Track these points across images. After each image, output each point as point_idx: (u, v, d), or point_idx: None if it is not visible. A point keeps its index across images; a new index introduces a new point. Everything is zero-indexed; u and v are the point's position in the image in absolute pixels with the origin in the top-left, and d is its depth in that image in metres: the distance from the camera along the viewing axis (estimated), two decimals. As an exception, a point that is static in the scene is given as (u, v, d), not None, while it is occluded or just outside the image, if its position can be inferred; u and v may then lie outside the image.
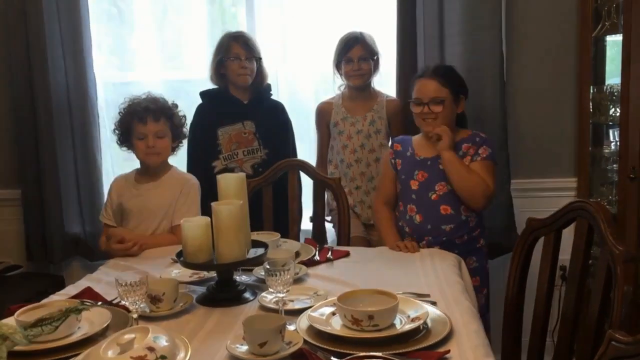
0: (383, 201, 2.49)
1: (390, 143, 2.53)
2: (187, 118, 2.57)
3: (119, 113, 2.46)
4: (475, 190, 2.27)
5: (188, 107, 2.89)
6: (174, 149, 2.50)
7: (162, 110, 2.40)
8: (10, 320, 1.39)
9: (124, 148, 2.49)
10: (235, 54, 2.70)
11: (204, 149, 2.74)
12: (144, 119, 2.37)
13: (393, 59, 2.87)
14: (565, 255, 1.85)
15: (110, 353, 1.15)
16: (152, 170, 2.45)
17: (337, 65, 2.79)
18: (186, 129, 2.54)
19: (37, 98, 2.97)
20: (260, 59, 2.77)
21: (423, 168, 2.37)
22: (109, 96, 3.20)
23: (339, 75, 2.82)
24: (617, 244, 1.46)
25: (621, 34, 2.42)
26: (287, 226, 2.63)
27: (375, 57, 2.77)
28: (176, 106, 2.49)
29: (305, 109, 3.10)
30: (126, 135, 2.43)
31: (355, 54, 2.71)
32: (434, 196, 2.34)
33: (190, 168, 2.73)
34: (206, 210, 1.76)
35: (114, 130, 2.49)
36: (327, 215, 2.83)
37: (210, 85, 2.85)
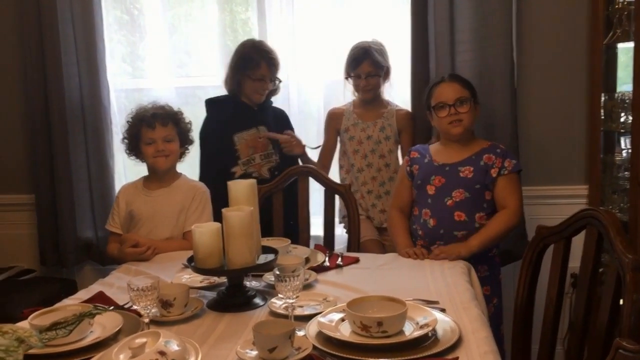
0: (398, 208, 2.51)
1: (408, 152, 2.55)
2: (197, 124, 2.60)
3: (127, 122, 2.51)
4: (510, 226, 2.32)
5: (199, 113, 2.93)
6: (181, 155, 2.53)
7: (169, 116, 2.45)
8: (24, 324, 1.42)
9: (132, 157, 2.53)
10: (262, 75, 2.72)
11: (221, 156, 2.75)
12: (152, 124, 2.41)
13: (405, 68, 2.88)
14: (576, 262, 1.85)
15: (122, 357, 1.17)
16: (161, 176, 2.47)
17: (347, 78, 2.81)
18: (192, 134, 2.56)
19: (51, 104, 3.01)
20: (280, 80, 2.80)
21: (441, 173, 2.38)
22: (122, 103, 3.24)
23: (350, 83, 2.84)
24: (626, 252, 1.46)
25: (633, 42, 2.41)
26: (297, 232, 2.64)
27: (383, 70, 2.78)
28: (182, 113, 2.52)
29: (315, 115, 3.12)
30: (135, 142, 2.46)
31: (363, 70, 2.74)
32: (449, 202, 2.35)
33: (205, 175, 2.74)
34: (220, 217, 1.77)
35: (123, 139, 2.53)
36: (341, 222, 2.84)
37: (222, 91, 2.87)
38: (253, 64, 2.70)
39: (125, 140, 2.51)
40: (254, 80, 2.72)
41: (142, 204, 2.45)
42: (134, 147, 2.48)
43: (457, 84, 2.39)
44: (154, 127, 2.41)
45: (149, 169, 2.51)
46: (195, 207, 2.44)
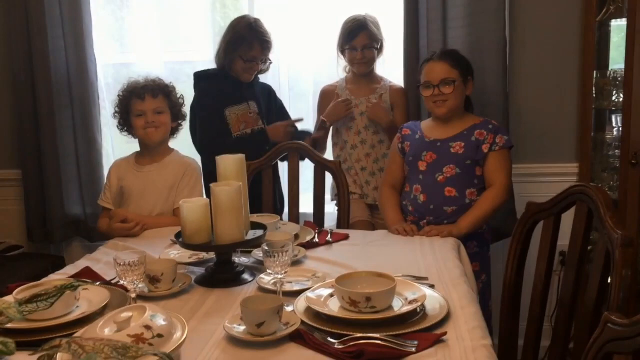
0: (389, 185, 2.50)
1: (400, 128, 2.53)
2: (186, 99, 2.57)
3: (117, 96, 2.48)
4: (499, 203, 2.32)
5: (188, 88, 2.89)
6: (173, 131, 2.51)
7: (159, 88, 2.43)
8: (9, 299, 1.40)
9: (125, 133, 2.50)
10: (253, 57, 2.68)
11: (213, 129, 2.72)
12: (142, 95, 2.39)
13: (397, 44, 2.85)
14: (564, 241, 1.85)
15: (107, 331, 1.16)
16: (152, 150, 2.45)
17: (342, 50, 2.78)
18: (185, 109, 2.54)
19: (38, 78, 2.96)
20: (271, 62, 2.77)
21: (432, 149, 2.37)
22: (109, 78, 3.19)
23: (343, 58, 2.81)
24: (616, 228, 1.45)
25: (626, 18, 2.39)
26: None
27: (379, 43, 2.75)
28: (174, 87, 2.50)
29: (305, 92, 3.09)
30: (126, 116, 2.44)
31: (359, 42, 2.71)
32: (440, 177, 2.34)
33: (201, 147, 2.71)
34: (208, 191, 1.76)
35: (114, 113, 2.50)
36: (333, 200, 2.83)
37: (211, 66, 2.83)
38: (246, 44, 2.66)
39: (117, 115, 2.48)
40: (245, 60, 2.68)
41: (132, 180, 2.43)
42: (126, 121, 2.45)
43: (445, 64, 2.35)
44: (144, 98, 2.39)
45: (140, 143, 2.48)
46: (186, 184, 2.42)
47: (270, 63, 2.79)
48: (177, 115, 2.49)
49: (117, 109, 2.48)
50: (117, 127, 2.51)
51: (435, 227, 2.22)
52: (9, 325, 1.14)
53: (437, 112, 2.38)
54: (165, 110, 2.43)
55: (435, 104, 2.37)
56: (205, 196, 2.45)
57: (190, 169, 2.45)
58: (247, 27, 2.67)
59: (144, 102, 2.39)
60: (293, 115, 2.90)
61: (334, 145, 2.90)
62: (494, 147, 2.33)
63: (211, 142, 2.67)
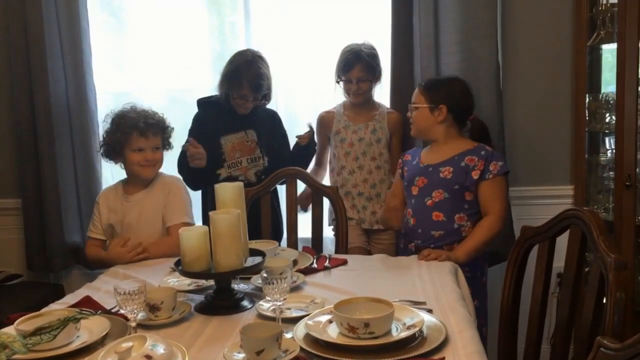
0: (392, 202, 2.58)
1: (403, 154, 2.60)
2: (184, 127, 2.60)
3: (110, 124, 2.45)
4: (495, 232, 2.33)
5: (186, 116, 2.92)
6: None
7: (159, 125, 2.44)
8: (10, 329, 1.41)
9: (108, 160, 2.49)
10: (244, 95, 2.69)
11: (207, 157, 2.75)
12: (146, 133, 2.39)
13: (387, 70, 2.90)
14: (561, 262, 1.87)
15: (108, 361, 1.17)
16: (143, 181, 2.46)
17: (338, 81, 2.82)
18: (172, 140, 2.54)
19: (38, 108, 2.99)
20: (266, 95, 2.76)
21: (424, 174, 2.41)
22: (109, 106, 3.21)
23: (340, 87, 2.85)
24: (609, 251, 1.47)
25: (616, 43, 2.44)
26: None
27: (375, 73, 2.79)
28: (167, 119, 2.51)
29: (304, 119, 3.11)
30: (118, 146, 2.42)
31: (354, 75, 2.74)
32: (429, 202, 2.37)
33: (191, 175, 2.73)
34: (208, 219, 1.78)
35: (102, 142, 2.48)
36: (330, 225, 2.85)
37: (208, 93, 2.87)
38: (235, 83, 2.67)
39: (104, 143, 2.46)
40: (234, 98, 2.72)
41: (123, 211, 2.43)
42: (116, 151, 2.43)
43: (417, 90, 2.47)
44: (147, 136, 2.40)
45: (131, 174, 2.47)
46: (172, 200, 2.43)
47: (266, 102, 2.79)
48: (166, 147, 2.51)
49: (107, 138, 2.45)
50: (101, 153, 2.49)
51: (433, 251, 2.24)
52: (13, 357, 1.16)
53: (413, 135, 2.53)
54: (160, 146, 2.46)
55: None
56: (193, 211, 2.51)
57: (175, 185, 2.48)
58: (241, 66, 2.66)
59: (147, 139, 2.39)
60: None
61: (331, 170, 2.93)
62: (488, 176, 2.33)
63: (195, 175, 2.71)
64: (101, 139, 2.53)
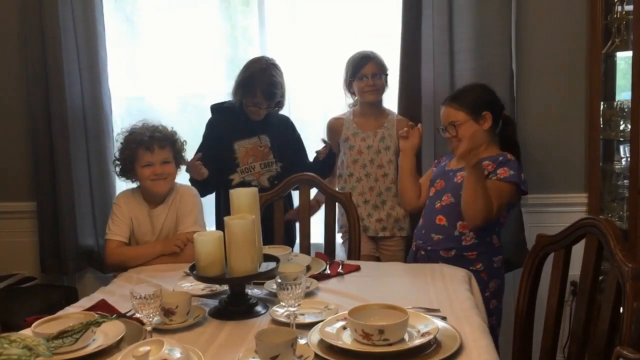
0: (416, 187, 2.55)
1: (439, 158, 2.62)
2: (196, 133, 2.60)
3: (120, 143, 2.46)
4: (478, 208, 2.20)
5: (199, 121, 2.94)
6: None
7: (166, 138, 2.43)
8: (27, 332, 1.42)
9: (124, 179, 2.49)
10: (257, 103, 2.71)
11: (221, 163, 2.76)
12: (151, 147, 2.38)
13: (395, 77, 2.91)
14: (576, 270, 1.86)
15: (125, 365, 1.18)
16: (160, 196, 2.45)
17: (349, 84, 2.83)
18: (186, 155, 2.54)
19: (53, 112, 3.02)
20: (279, 102, 2.77)
21: (443, 177, 2.42)
22: (123, 110, 3.26)
23: (349, 94, 2.86)
24: (626, 260, 1.46)
25: (631, 51, 2.43)
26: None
27: (386, 74, 2.81)
28: (176, 133, 2.50)
29: (314, 124, 3.14)
30: (129, 165, 2.42)
31: (368, 70, 2.76)
32: (437, 205, 2.37)
33: (202, 182, 2.74)
34: (221, 223, 1.78)
35: (114, 161, 2.49)
36: (339, 232, 2.85)
37: (221, 99, 2.89)
38: (249, 91, 2.68)
39: (117, 162, 2.46)
40: (247, 105, 2.73)
41: (145, 220, 2.43)
42: (128, 169, 2.43)
43: (450, 108, 2.37)
44: (153, 150, 2.38)
45: (145, 190, 2.46)
46: (184, 208, 2.43)
47: (279, 109, 2.80)
48: (179, 162, 2.49)
49: (118, 157, 2.46)
50: (116, 173, 2.48)
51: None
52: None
53: (455, 151, 2.36)
54: (171, 159, 2.43)
55: (453, 144, 2.40)
56: (205, 218, 2.51)
57: (186, 194, 2.47)
58: (256, 74, 2.68)
59: (152, 153, 2.38)
60: (308, 149, 2.92)
61: (339, 177, 2.93)
62: (491, 176, 2.27)
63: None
64: (114, 157, 2.52)
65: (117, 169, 2.48)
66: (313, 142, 3.06)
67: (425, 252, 2.37)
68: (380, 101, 2.86)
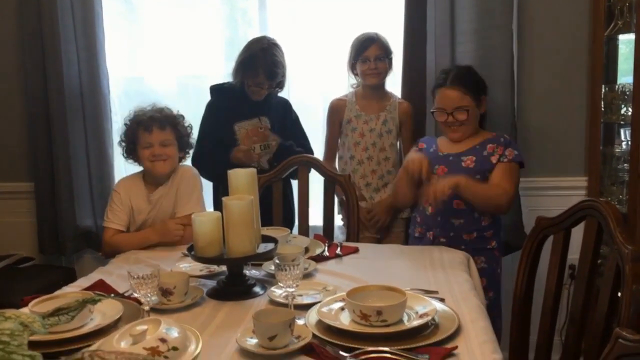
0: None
1: (416, 142, 2.58)
2: (196, 113, 2.57)
3: (124, 124, 2.46)
4: (498, 200, 2.30)
5: (197, 103, 2.92)
6: (180, 159, 2.48)
7: (167, 119, 2.40)
8: (25, 311, 1.42)
9: (130, 160, 2.48)
10: (259, 83, 2.69)
11: (220, 144, 2.75)
12: (150, 127, 2.37)
13: (399, 59, 2.88)
14: (574, 254, 1.86)
15: (123, 343, 1.17)
16: (160, 178, 2.43)
17: (352, 65, 2.81)
18: (193, 139, 2.52)
19: (50, 92, 3.00)
20: (281, 82, 2.75)
21: (444, 163, 2.40)
22: (121, 90, 3.23)
23: (353, 76, 2.84)
24: (626, 243, 1.46)
25: (634, 33, 2.41)
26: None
27: (390, 57, 2.79)
28: (182, 117, 2.48)
29: (314, 107, 3.12)
30: (132, 146, 2.42)
31: (371, 53, 2.73)
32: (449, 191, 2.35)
33: (203, 162, 2.73)
34: (220, 205, 1.77)
35: (120, 142, 2.48)
36: (339, 213, 2.85)
37: (219, 80, 2.87)
38: (251, 71, 2.66)
39: (123, 144, 2.45)
40: (249, 85, 2.71)
41: (144, 206, 2.40)
42: (132, 150, 2.43)
43: (458, 91, 2.36)
44: (151, 130, 2.36)
45: (146, 172, 2.45)
46: (183, 189, 2.40)
47: (280, 89, 2.78)
48: (184, 146, 2.47)
49: (123, 138, 2.45)
50: (122, 155, 2.48)
51: (435, 188, 2.20)
52: (30, 338, 1.16)
53: (451, 136, 2.41)
54: (172, 142, 2.40)
55: (449, 128, 2.40)
56: (204, 199, 2.49)
57: (186, 175, 2.43)
58: (257, 53, 2.65)
59: (150, 134, 2.36)
60: (308, 130, 2.90)
61: (339, 158, 2.92)
62: (502, 159, 2.35)
63: (207, 161, 2.70)
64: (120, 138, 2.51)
65: (122, 151, 2.48)
66: (312, 125, 3.06)
67: (447, 239, 2.35)
68: (383, 84, 2.83)
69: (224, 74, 2.96)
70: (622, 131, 2.68)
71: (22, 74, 3.09)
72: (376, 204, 2.81)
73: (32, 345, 1.32)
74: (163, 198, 2.41)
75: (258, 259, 1.87)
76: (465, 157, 2.36)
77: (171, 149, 2.40)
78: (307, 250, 2.13)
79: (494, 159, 2.35)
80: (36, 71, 3.01)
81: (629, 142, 2.50)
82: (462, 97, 2.37)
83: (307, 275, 1.89)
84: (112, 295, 1.70)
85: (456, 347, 1.38)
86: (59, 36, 2.95)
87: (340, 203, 2.83)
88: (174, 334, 1.19)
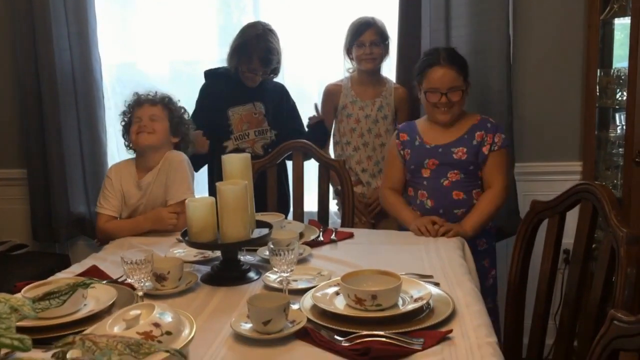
0: (390, 187, 2.48)
1: (395, 133, 2.51)
2: (189, 97, 2.55)
3: (123, 112, 2.47)
4: (501, 205, 2.36)
5: (191, 88, 2.90)
6: (175, 146, 2.44)
7: (160, 98, 2.41)
8: (19, 297, 1.41)
9: (126, 142, 2.47)
10: (252, 69, 2.67)
11: (214, 129, 2.73)
12: (141, 102, 2.38)
13: (394, 43, 2.86)
14: (568, 239, 1.86)
15: (116, 328, 1.17)
16: (147, 157, 2.38)
17: (348, 50, 2.78)
18: (186, 125, 2.48)
19: (43, 78, 2.97)
20: (275, 68, 2.74)
21: (434, 156, 2.36)
22: (114, 77, 3.20)
23: (349, 60, 2.82)
24: (621, 226, 1.46)
25: (630, 17, 2.40)
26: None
27: (386, 42, 2.76)
28: (177, 100, 2.47)
29: (309, 93, 3.10)
30: (128, 127, 2.41)
31: (367, 38, 2.71)
32: (446, 182, 2.35)
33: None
34: (214, 190, 1.76)
35: (123, 134, 2.47)
36: (334, 199, 2.84)
37: (213, 66, 2.84)
38: (245, 56, 2.64)
39: (123, 123, 2.46)
40: (243, 71, 2.69)
41: (135, 192, 2.38)
42: (127, 131, 2.42)
43: (453, 70, 2.31)
44: (142, 105, 2.37)
45: (136, 151, 2.42)
46: (174, 177, 2.34)
47: (274, 75, 2.77)
48: (177, 127, 2.42)
49: (122, 119, 2.47)
50: (125, 145, 2.48)
51: (442, 223, 2.20)
52: (19, 323, 1.16)
53: (440, 118, 2.35)
54: (162, 118, 2.37)
55: (438, 110, 2.34)
56: (198, 185, 2.50)
57: (176, 161, 2.36)
58: (252, 39, 2.63)
59: (141, 108, 2.37)
60: (304, 116, 2.88)
61: (335, 144, 2.91)
62: (493, 147, 2.34)
63: None
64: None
65: (125, 141, 2.47)
66: (307, 110, 3.04)
67: None
68: (378, 69, 2.81)
69: (218, 59, 2.93)
70: (617, 116, 2.67)
71: (14, 60, 3.05)
72: (372, 190, 2.80)
73: (26, 331, 1.31)
74: (153, 185, 2.37)
75: (252, 244, 1.86)
76: (455, 148, 2.34)
77: (159, 125, 2.37)
78: (301, 235, 2.13)
79: (485, 150, 2.33)
80: (27, 57, 2.98)
81: (624, 127, 2.50)
82: (457, 77, 2.33)
83: (302, 261, 1.89)
84: (105, 281, 1.69)
85: (451, 331, 1.38)
86: (50, 22, 2.91)
87: (336, 192, 2.83)
88: (168, 318, 1.19)
